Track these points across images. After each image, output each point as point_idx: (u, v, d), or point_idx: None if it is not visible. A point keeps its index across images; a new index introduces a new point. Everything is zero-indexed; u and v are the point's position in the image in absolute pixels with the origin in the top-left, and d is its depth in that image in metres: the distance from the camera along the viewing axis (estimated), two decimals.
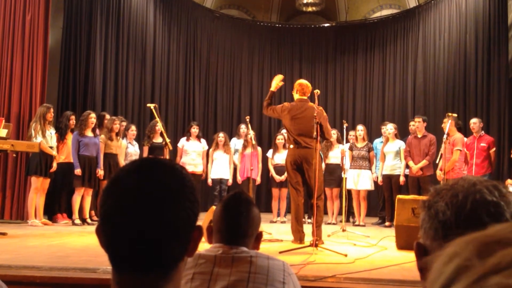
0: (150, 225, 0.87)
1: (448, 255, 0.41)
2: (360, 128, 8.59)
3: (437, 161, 7.46)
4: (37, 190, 7.03)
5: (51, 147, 7.18)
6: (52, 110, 7.26)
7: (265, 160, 9.15)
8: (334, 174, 8.53)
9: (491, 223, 0.74)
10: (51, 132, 7.26)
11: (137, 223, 0.87)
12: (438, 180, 7.39)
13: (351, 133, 8.88)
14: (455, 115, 7.55)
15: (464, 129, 8.23)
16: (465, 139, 7.77)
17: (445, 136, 6.68)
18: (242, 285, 1.66)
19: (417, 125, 7.99)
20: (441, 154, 6.97)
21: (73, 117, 7.73)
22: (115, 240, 0.89)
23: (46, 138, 7.10)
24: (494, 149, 7.74)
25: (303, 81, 5.99)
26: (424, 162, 7.80)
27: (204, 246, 1.94)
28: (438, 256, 0.43)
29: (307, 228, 5.65)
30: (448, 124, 6.95)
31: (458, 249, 0.41)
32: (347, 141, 8.49)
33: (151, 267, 0.88)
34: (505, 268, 0.37)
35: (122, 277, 0.89)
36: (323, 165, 8.48)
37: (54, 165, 7.23)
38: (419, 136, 7.97)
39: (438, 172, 7.50)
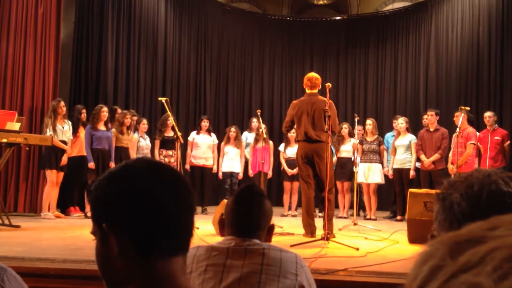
0: (192, 211, 1.02)
1: (423, 255, 0.43)
2: (369, 122, 8.53)
3: (449, 155, 7.41)
4: (53, 184, 7.09)
5: (63, 141, 7.21)
6: (61, 103, 7.27)
7: (276, 153, 9.15)
8: (345, 168, 8.50)
9: (507, 214, 0.74)
10: (63, 127, 7.28)
11: (188, 210, 1.00)
12: (450, 173, 7.34)
13: (358, 127, 8.69)
14: (468, 108, 7.48)
15: (477, 123, 8.15)
16: (477, 132, 7.71)
17: (457, 129, 6.62)
18: (255, 277, 1.67)
19: (429, 118, 7.93)
20: (452, 148, 6.92)
21: (84, 110, 7.77)
22: (168, 226, 0.96)
23: (56, 132, 7.13)
24: (508, 142, 7.67)
25: (311, 74, 5.94)
26: (436, 156, 7.74)
27: (216, 239, 1.94)
28: (415, 256, 0.44)
29: (318, 222, 5.64)
30: (461, 118, 6.89)
31: (433, 249, 0.42)
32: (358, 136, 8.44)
33: (182, 248, 1.00)
34: (474, 266, 0.37)
35: (158, 263, 0.95)
36: (335, 159, 8.47)
37: (64, 158, 7.22)
38: (431, 129, 7.91)
39: (450, 166, 7.45)
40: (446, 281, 0.38)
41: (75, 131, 7.64)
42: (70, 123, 7.44)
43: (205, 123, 8.79)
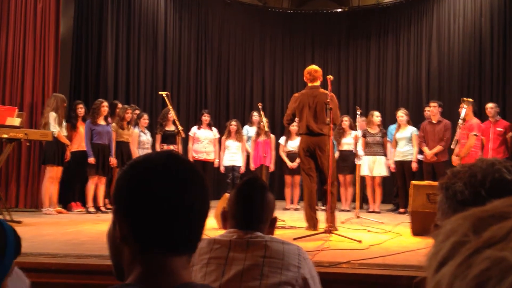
0: (203, 214, 0.98)
1: (446, 231, 0.42)
2: (377, 114, 8.47)
3: (452, 147, 7.38)
4: (52, 179, 7.09)
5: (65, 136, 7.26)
6: (65, 99, 7.35)
7: (277, 146, 9.13)
8: (347, 161, 8.47)
9: None
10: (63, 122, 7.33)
11: (185, 205, 0.94)
12: (453, 165, 7.31)
13: (360, 119, 8.53)
14: (471, 100, 7.44)
15: (479, 114, 8.11)
16: (481, 124, 7.67)
17: (460, 121, 6.58)
18: (257, 269, 1.65)
19: (432, 109, 7.89)
20: (457, 140, 6.89)
21: (80, 106, 7.74)
22: (161, 220, 0.93)
23: (62, 128, 7.16)
24: (510, 133, 7.64)
25: (311, 67, 5.91)
26: (438, 148, 7.71)
27: (218, 233, 1.92)
28: (437, 233, 0.43)
29: (321, 215, 5.63)
30: (464, 109, 6.85)
31: (456, 225, 0.42)
32: (361, 128, 8.40)
33: (188, 247, 0.96)
34: (498, 241, 0.37)
35: (159, 258, 0.93)
36: (337, 153, 8.43)
37: (68, 153, 7.29)
38: (434, 121, 7.88)
39: (453, 157, 7.42)
40: (469, 257, 0.37)
41: (73, 127, 7.64)
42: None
43: (205, 117, 8.77)
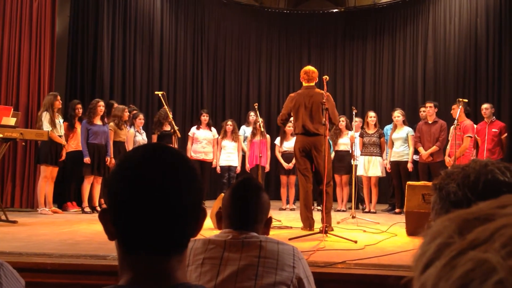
0: (177, 202, 0.89)
1: (432, 233, 0.43)
2: (372, 115, 8.49)
3: (447, 147, 7.42)
4: (47, 179, 7.06)
5: (60, 136, 7.21)
6: (59, 97, 7.28)
7: (273, 147, 9.14)
8: (343, 161, 8.49)
9: None
10: (59, 121, 7.27)
11: (165, 200, 0.88)
12: (447, 166, 7.33)
13: (356, 119, 8.54)
14: (466, 100, 7.46)
15: (475, 115, 8.14)
16: (475, 125, 7.70)
17: (455, 122, 6.61)
18: (252, 269, 1.65)
19: (428, 110, 7.91)
20: (448, 140, 6.93)
21: (79, 106, 7.72)
22: (140, 218, 0.88)
23: (55, 127, 7.12)
24: (505, 134, 7.66)
25: (307, 67, 5.92)
26: (434, 148, 7.74)
27: (213, 233, 1.92)
28: (423, 235, 0.44)
29: (317, 215, 5.64)
30: (458, 110, 6.88)
31: (442, 227, 0.42)
32: (357, 128, 8.42)
33: (173, 247, 0.90)
34: (482, 243, 0.38)
35: (150, 259, 0.89)
36: (332, 153, 8.45)
37: (63, 153, 7.26)
38: (430, 122, 7.90)
39: (447, 158, 7.45)
40: (454, 258, 0.38)
41: (71, 126, 7.62)
42: (61, 118, 7.42)
43: (205, 117, 8.78)
